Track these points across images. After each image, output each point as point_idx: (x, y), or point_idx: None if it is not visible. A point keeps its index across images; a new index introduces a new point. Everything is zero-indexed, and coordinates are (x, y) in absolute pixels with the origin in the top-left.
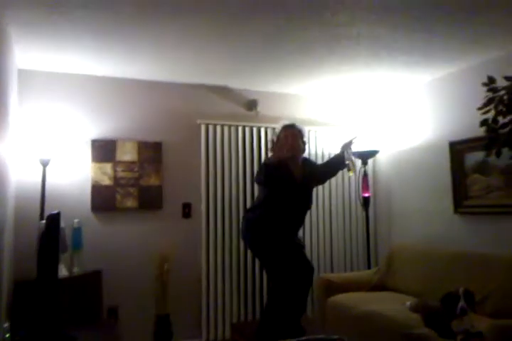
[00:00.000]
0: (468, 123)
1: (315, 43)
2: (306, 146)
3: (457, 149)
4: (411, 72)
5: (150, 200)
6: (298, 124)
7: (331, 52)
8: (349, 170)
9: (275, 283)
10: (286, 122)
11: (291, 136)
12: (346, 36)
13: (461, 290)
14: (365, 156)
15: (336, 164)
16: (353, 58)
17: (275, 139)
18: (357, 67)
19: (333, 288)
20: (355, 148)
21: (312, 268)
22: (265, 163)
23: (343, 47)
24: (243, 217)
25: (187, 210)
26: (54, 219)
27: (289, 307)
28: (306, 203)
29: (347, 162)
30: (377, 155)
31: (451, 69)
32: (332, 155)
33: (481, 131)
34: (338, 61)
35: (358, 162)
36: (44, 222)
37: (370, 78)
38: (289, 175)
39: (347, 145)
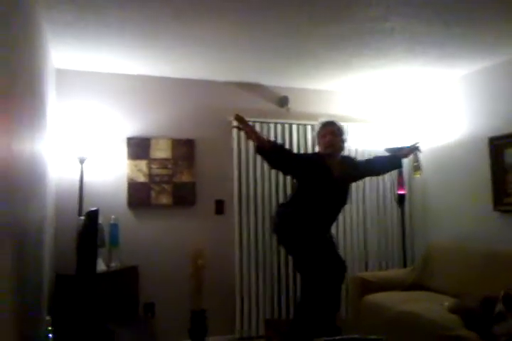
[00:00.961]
0: (507, 117)
1: (348, 38)
2: (346, 144)
3: (497, 144)
4: (446, 67)
5: (184, 197)
6: (337, 121)
7: (365, 46)
8: (417, 170)
9: (307, 280)
10: (326, 119)
11: (330, 133)
12: (380, 30)
13: (501, 293)
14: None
15: (395, 162)
16: (387, 53)
17: (315, 137)
18: (391, 62)
19: (368, 287)
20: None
21: (345, 266)
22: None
23: (377, 42)
24: (275, 212)
25: (220, 207)
26: (92, 216)
27: (321, 304)
28: (342, 200)
29: (415, 163)
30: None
31: (487, 63)
32: (387, 154)
33: None
34: (372, 56)
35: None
36: (83, 218)
37: (405, 73)
38: (326, 170)
39: (415, 148)
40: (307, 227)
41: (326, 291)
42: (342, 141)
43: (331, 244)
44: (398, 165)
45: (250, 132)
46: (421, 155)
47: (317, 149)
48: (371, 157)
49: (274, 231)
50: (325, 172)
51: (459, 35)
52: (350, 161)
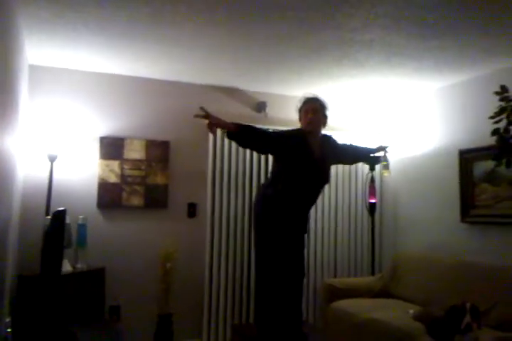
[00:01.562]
0: (478, 131)
1: (327, 47)
2: (328, 120)
3: (466, 157)
4: (422, 79)
5: (156, 199)
6: (320, 97)
7: (343, 56)
8: (386, 169)
9: (263, 276)
10: (309, 95)
11: (312, 110)
12: (359, 41)
13: (468, 305)
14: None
15: (368, 156)
16: (365, 63)
17: (297, 112)
18: (368, 73)
19: (335, 293)
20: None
21: (303, 274)
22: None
23: (356, 52)
24: (256, 195)
25: (192, 210)
26: (60, 216)
27: (276, 305)
28: (322, 180)
29: (385, 163)
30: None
31: (463, 77)
32: (363, 146)
33: (491, 140)
34: (350, 66)
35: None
36: (50, 217)
37: (381, 84)
38: (306, 149)
39: (386, 148)
40: (286, 211)
41: (280, 295)
42: (324, 117)
43: (301, 247)
44: (370, 158)
45: (215, 119)
46: (388, 156)
47: (299, 125)
48: (348, 143)
49: (254, 211)
50: (305, 151)
51: (437, 48)
52: (330, 140)
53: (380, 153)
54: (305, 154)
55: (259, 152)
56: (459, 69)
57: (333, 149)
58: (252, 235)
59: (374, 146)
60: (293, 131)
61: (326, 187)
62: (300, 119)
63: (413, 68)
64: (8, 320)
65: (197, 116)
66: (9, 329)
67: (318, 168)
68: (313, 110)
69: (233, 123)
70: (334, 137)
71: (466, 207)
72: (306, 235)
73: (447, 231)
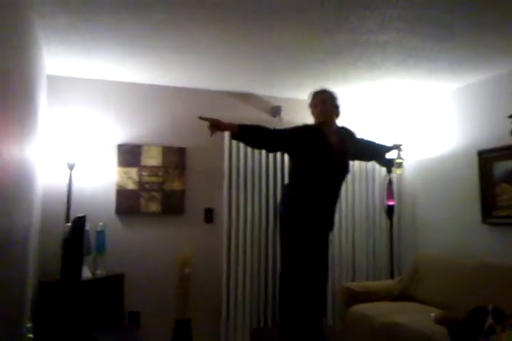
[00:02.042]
0: (496, 131)
1: (342, 50)
2: (340, 110)
3: (486, 158)
4: (437, 80)
5: (173, 205)
6: (328, 89)
7: (358, 59)
8: (399, 167)
9: (288, 274)
10: (316, 89)
11: (321, 102)
12: (374, 43)
13: (490, 307)
14: (390, 164)
15: (384, 155)
16: (380, 66)
17: (309, 108)
18: (383, 75)
19: (354, 297)
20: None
21: (327, 275)
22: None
23: (370, 55)
24: (281, 195)
25: (209, 215)
26: (79, 222)
27: (300, 308)
28: (344, 170)
29: (399, 161)
30: (403, 164)
31: (479, 77)
32: (379, 143)
33: (510, 140)
34: (365, 68)
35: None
36: (69, 224)
37: (397, 86)
38: (323, 139)
39: (399, 146)
40: (312, 215)
41: (305, 295)
42: (336, 108)
43: (326, 247)
44: (382, 156)
45: (216, 123)
46: (402, 154)
47: (313, 121)
48: (365, 139)
49: (279, 212)
50: (322, 142)
51: (452, 49)
52: (348, 132)
53: (395, 152)
54: (323, 146)
55: (269, 150)
56: (475, 69)
57: (352, 142)
58: (278, 237)
59: (389, 144)
60: (306, 125)
61: (343, 190)
62: (313, 114)
63: (429, 69)
64: (29, 325)
65: (201, 118)
66: (31, 335)
67: (338, 159)
68: (322, 101)
69: (237, 125)
70: (352, 130)
71: (487, 208)
72: (330, 232)
73: (468, 233)
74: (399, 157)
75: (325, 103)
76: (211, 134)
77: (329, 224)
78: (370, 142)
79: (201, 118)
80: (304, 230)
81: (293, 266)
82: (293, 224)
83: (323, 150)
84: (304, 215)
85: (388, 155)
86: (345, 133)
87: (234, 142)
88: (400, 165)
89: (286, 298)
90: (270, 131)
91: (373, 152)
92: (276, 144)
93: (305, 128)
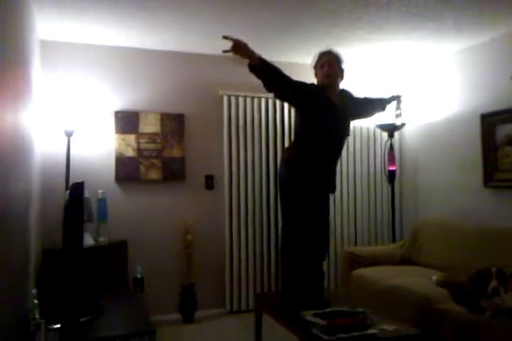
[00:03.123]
0: (500, 94)
1: (342, 11)
2: (345, 73)
3: (488, 121)
4: (441, 41)
5: (173, 172)
6: (334, 50)
7: (359, 20)
8: (398, 117)
9: (290, 240)
10: (322, 49)
11: (327, 62)
12: (375, 3)
13: (493, 269)
14: (392, 129)
15: (383, 104)
16: (382, 27)
17: (313, 68)
18: (385, 36)
19: (357, 261)
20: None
21: (328, 238)
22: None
23: (372, 15)
24: (282, 158)
25: (210, 182)
26: (78, 188)
27: (303, 270)
28: (345, 133)
29: (398, 111)
30: (404, 128)
31: (484, 38)
32: (376, 97)
33: None
34: (367, 29)
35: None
36: (68, 191)
37: (400, 48)
38: (328, 101)
39: (398, 97)
40: (313, 176)
41: (307, 257)
42: (341, 71)
43: (327, 211)
44: (383, 108)
45: (241, 46)
46: (401, 105)
47: (315, 81)
48: (362, 96)
49: (279, 176)
50: (327, 103)
51: (457, 8)
52: (349, 94)
53: (394, 103)
54: (328, 106)
55: (279, 95)
56: (480, 29)
57: (353, 103)
58: (279, 201)
59: (387, 96)
60: (311, 84)
61: (344, 155)
62: (316, 75)
63: (432, 30)
64: (34, 291)
65: (225, 37)
66: (36, 301)
67: (341, 121)
68: (329, 62)
69: (259, 56)
70: (351, 90)
71: (489, 171)
72: (331, 195)
73: (470, 197)
74: (398, 107)
75: (331, 64)
76: (226, 51)
77: (331, 186)
78: (368, 98)
79: (225, 37)
80: (306, 192)
81: (295, 228)
82: (295, 186)
83: (329, 111)
84: (307, 176)
85: (388, 107)
86: (346, 96)
87: (233, 107)
88: (398, 115)
89: (289, 260)
90: (290, 78)
91: (373, 106)
92: (291, 92)
93: (312, 85)
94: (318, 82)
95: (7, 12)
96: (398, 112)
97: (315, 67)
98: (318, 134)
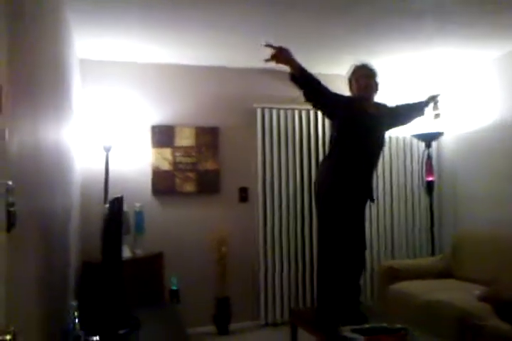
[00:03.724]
0: None
1: (373, 20)
2: (379, 86)
3: None
4: (478, 48)
5: (208, 184)
6: (370, 64)
7: (391, 29)
8: (437, 118)
9: (326, 254)
10: (359, 62)
11: (363, 76)
12: (408, 11)
13: None
14: (429, 138)
15: (421, 107)
16: (415, 35)
17: (348, 81)
18: (420, 45)
19: (395, 275)
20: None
21: (365, 246)
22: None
23: (404, 24)
24: (319, 171)
25: (244, 194)
26: (117, 203)
27: (340, 283)
28: (380, 144)
29: (436, 112)
30: (442, 138)
31: None
32: (413, 102)
33: None
34: (399, 38)
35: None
36: (108, 205)
37: (435, 56)
38: (364, 110)
39: (435, 97)
40: (349, 188)
41: (344, 270)
42: (376, 84)
43: (363, 219)
44: (421, 112)
45: (283, 53)
46: (440, 105)
47: (349, 94)
48: (399, 104)
49: (315, 194)
50: (364, 114)
51: (493, 13)
52: (384, 105)
53: (431, 105)
54: (363, 117)
55: (318, 104)
56: None
57: (390, 112)
58: (315, 213)
59: (424, 98)
60: (348, 96)
61: (381, 166)
62: (350, 88)
63: (469, 36)
64: (74, 303)
65: (267, 45)
66: (76, 313)
67: (377, 132)
68: (367, 76)
69: (299, 66)
70: (385, 102)
71: None
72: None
73: (511, 208)
74: (436, 107)
75: (369, 78)
76: (268, 60)
77: (367, 194)
78: (405, 104)
79: (266, 45)
80: (342, 202)
81: (332, 239)
82: (331, 196)
83: (364, 121)
84: (343, 186)
85: (427, 110)
86: (382, 106)
87: (266, 120)
88: (437, 116)
89: (325, 273)
90: (328, 90)
91: (411, 111)
92: (328, 103)
93: (348, 99)
94: (353, 95)
95: (49, 32)
96: (437, 112)
97: (350, 81)
98: (354, 144)
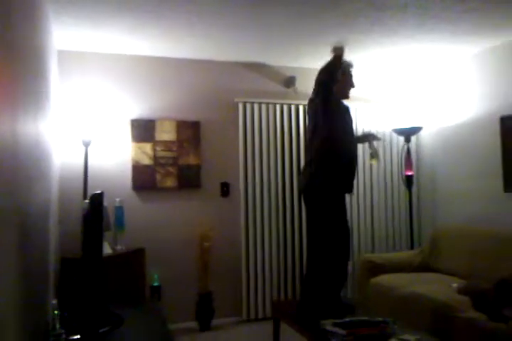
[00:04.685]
0: None
1: (357, 15)
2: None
3: (508, 124)
4: (458, 43)
5: (189, 179)
6: None
7: (374, 23)
8: (372, 158)
9: (315, 249)
10: (351, 61)
11: (352, 76)
12: (392, 6)
13: None
14: (408, 133)
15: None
16: (398, 30)
17: (340, 73)
18: (401, 40)
19: (375, 268)
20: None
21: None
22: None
23: (388, 19)
24: (302, 171)
25: (225, 189)
26: (97, 199)
27: (328, 277)
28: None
29: (370, 151)
30: (421, 132)
31: (502, 39)
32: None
33: None
34: (382, 33)
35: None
36: (87, 201)
37: (415, 51)
38: (347, 112)
39: (372, 137)
40: (337, 182)
41: (333, 262)
42: None
43: (345, 212)
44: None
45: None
46: (375, 143)
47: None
48: None
49: (306, 192)
50: (347, 111)
51: (474, 10)
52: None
53: (366, 142)
54: (347, 114)
55: (328, 95)
56: (498, 31)
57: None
58: (304, 208)
59: (359, 134)
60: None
61: (361, 161)
62: (338, 81)
63: (450, 32)
64: (54, 302)
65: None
66: (56, 311)
67: (352, 128)
68: (352, 76)
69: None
70: None
71: (509, 176)
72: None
73: (490, 203)
74: (371, 146)
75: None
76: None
77: (349, 187)
78: None
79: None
80: (329, 195)
81: (320, 232)
82: (318, 190)
83: (348, 117)
84: (331, 180)
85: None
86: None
87: (248, 114)
88: (372, 155)
89: (316, 263)
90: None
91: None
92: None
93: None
94: (338, 86)
95: (26, 23)
96: (372, 152)
97: (343, 74)
98: (344, 139)
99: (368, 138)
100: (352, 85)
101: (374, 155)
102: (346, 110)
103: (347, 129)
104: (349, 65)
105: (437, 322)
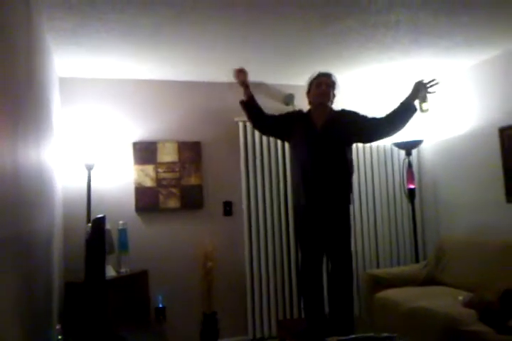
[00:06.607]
0: None
1: (351, 33)
2: (335, 99)
3: (508, 135)
4: (453, 57)
5: (191, 200)
6: (333, 75)
7: (369, 40)
8: (422, 102)
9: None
10: (322, 70)
11: (325, 83)
12: (385, 23)
13: None
14: (409, 146)
15: (408, 104)
16: (392, 46)
17: (307, 86)
18: (396, 55)
19: (380, 283)
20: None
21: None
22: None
23: (382, 36)
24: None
25: (228, 208)
26: (99, 223)
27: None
28: (333, 160)
29: (425, 104)
30: (422, 145)
31: (496, 52)
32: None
33: None
34: (377, 50)
35: (402, 152)
36: (90, 225)
37: (410, 66)
38: (308, 123)
39: (420, 85)
40: (301, 202)
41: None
42: (333, 95)
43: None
44: (412, 108)
45: (244, 77)
46: (426, 92)
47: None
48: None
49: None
50: (307, 125)
51: (467, 24)
52: (347, 115)
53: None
54: (306, 128)
55: (261, 131)
56: (492, 44)
57: (349, 123)
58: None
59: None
60: (293, 111)
61: (362, 175)
62: (308, 93)
63: (443, 46)
64: (58, 326)
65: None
66: (60, 336)
67: (323, 144)
68: (326, 84)
69: (250, 95)
70: (357, 111)
71: (511, 186)
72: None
73: (493, 214)
74: (423, 99)
75: (329, 86)
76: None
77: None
78: (389, 113)
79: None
80: (295, 210)
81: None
82: (295, 210)
83: (306, 135)
84: (297, 198)
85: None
86: (343, 117)
87: (248, 133)
88: (425, 109)
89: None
90: (264, 114)
91: (397, 115)
92: (276, 125)
93: (294, 113)
94: (308, 99)
95: (28, 53)
96: (425, 105)
97: (310, 85)
98: (297, 158)
99: (419, 86)
100: (319, 92)
101: (422, 100)
102: (305, 117)
103: (304, 141)
104: (318, 74)
105: (444, 336)
